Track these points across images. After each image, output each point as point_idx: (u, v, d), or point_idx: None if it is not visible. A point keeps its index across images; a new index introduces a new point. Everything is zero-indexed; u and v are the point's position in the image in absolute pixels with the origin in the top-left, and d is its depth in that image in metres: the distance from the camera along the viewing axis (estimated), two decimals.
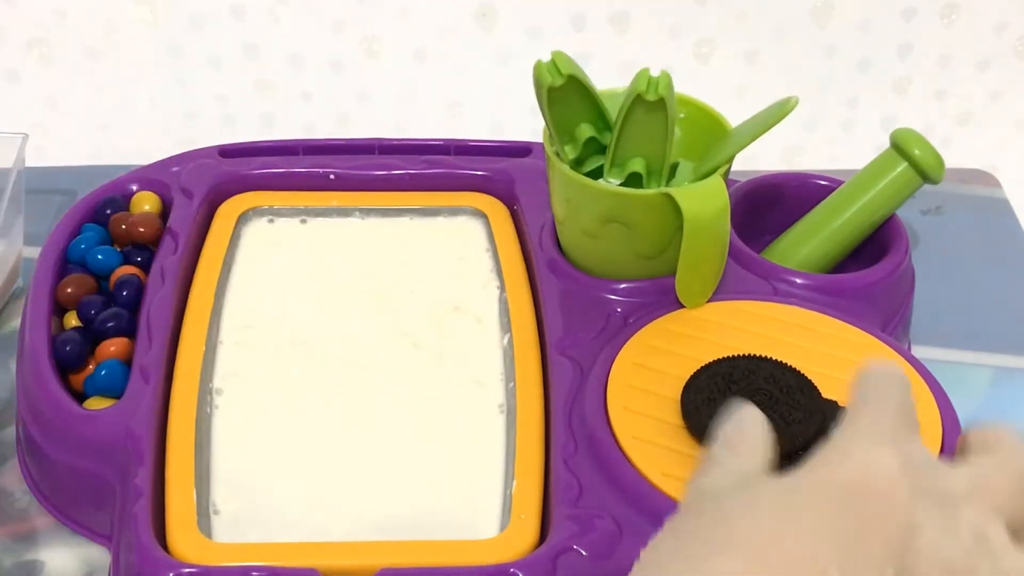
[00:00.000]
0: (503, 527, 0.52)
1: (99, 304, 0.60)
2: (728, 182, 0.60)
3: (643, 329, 0.58)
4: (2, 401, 0.64)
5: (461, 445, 0.55)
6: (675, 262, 0.58)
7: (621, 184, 0.59)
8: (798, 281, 0.61)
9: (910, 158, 0.63)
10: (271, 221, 0.67)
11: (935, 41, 0.85)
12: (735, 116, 0.61)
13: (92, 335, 0.59)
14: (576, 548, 0.50)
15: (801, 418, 0.51)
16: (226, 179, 0.67)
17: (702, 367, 0.54)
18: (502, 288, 0.62)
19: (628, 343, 0.57)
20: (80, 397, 0.58)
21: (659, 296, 0.60)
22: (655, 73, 0.56)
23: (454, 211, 0.67)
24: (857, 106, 0.87)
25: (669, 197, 0.57)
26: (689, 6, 0.83)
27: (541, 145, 0.62)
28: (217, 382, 0.57)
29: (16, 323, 0.67)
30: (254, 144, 0.70)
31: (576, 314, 0.59)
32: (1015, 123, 0.89)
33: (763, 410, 0.43)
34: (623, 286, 0.61)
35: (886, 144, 0.65)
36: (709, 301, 0.59)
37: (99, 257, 0.63)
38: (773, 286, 0.61)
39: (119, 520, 0.53)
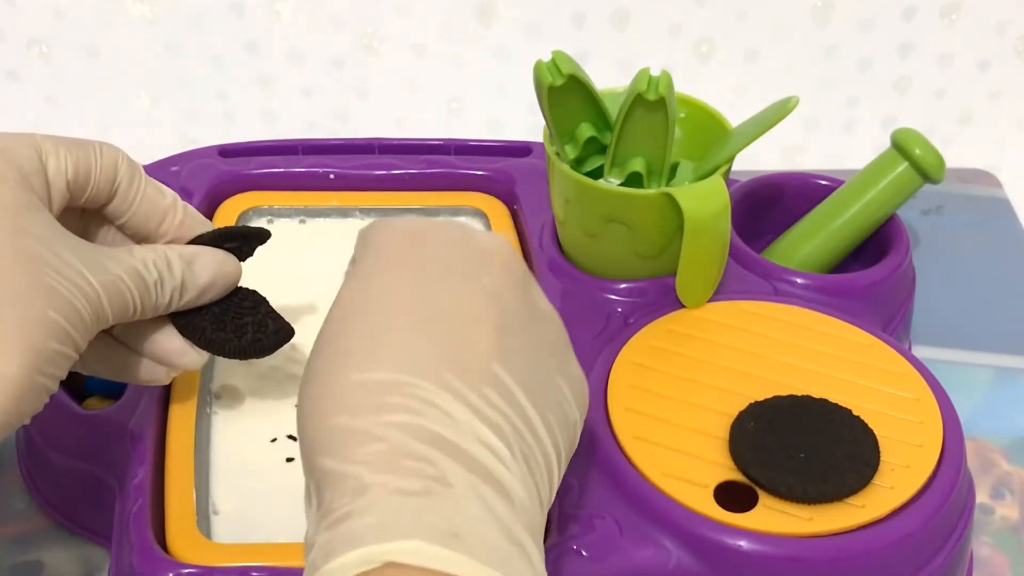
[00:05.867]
0: None
1: None
2: (728, 182, 0.60)
3: (643, 329, 0.58)
4: None
5: None
6: (675, 262, 0.58)
7: (621, 184, 0.59)
8: (799, 281, 0.61)
9: (911, 158, 0.63)
10: (270, 221, 0.67)
11: (936, 41, 0.85)
12: (735, 116, 0.61)
13: None
14: (576, 548, 0.50)
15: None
16: (226, 179, 0.67)
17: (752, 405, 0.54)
18: None
19: (628, 343, 0.57)
20: (80, 397, 0.58)
21: (659, 296, 0.60)
22: (655, 73, 0.56)
23: (454, 211, 0.67)
24: (857, 106, 0.87)
25: (669, 197, 0.57)
26: (689, 5, 0.83)
27: (541, 145, 0.62)
28: (217, 382, 0.57)
29: None
30: (254, 144, 0.70)
31: (576, 314, 0.59)
32: (1016, 123, 0.89)
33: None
34: (623, 286, 0.61)
35: (887, 144, 0.65)
36: (709, 301, 0.59)
37: None
38: (773, 286, 0.61)
39: (119, 521, 0.53)
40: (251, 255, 0.53)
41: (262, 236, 0.54)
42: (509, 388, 0.41)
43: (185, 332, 0.51)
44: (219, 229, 0.53)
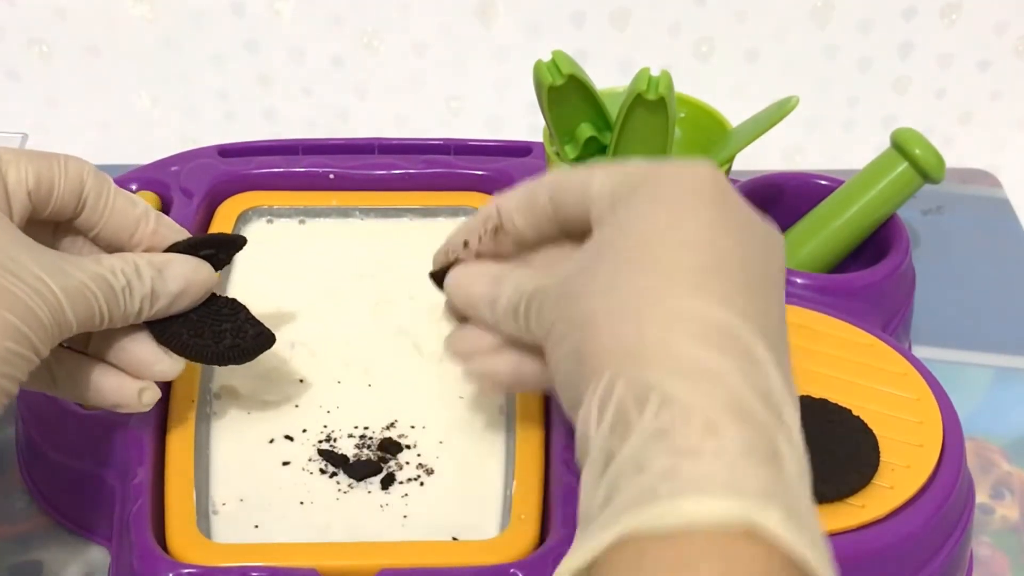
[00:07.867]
0: (503, 528, 0.52)
1: None
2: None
3: None
4: None
5: (461, 446, 0.55)
6: None
7: None
8: (798, 281, 0.61)
9: (911, 158, 0.63)
10: (270, 222, 0.66)
11: (935, 41, 0.85)
12: (735, 116, 0.61)
13: None
14: None
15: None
16: (225, 179, 0.67)
17: None
18: None
19: None
20: None
21: None
22: (655, 73, 0.56)
23: (454, 211, 0.67)
24: (857, 106, 0.87)
25: None
26: (689, 5, 0.83)
27: (541, 145, 0.62)
28: (217, 382, 0.57)
29: None
30: (253, 144, 0.70)
31: None
32: (1016, 123, 0.89)
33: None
34: None
35: (887, 144, 0.65)
36: None
37: None
38: None
39: (119, 521, 0.53)
40: (228, 262, 0.53)
41: (238, 243, 0.54)
42: (790, 365, 0.40)
43: (162, 339, 0.51)
44: (194, 237, 0.52)
